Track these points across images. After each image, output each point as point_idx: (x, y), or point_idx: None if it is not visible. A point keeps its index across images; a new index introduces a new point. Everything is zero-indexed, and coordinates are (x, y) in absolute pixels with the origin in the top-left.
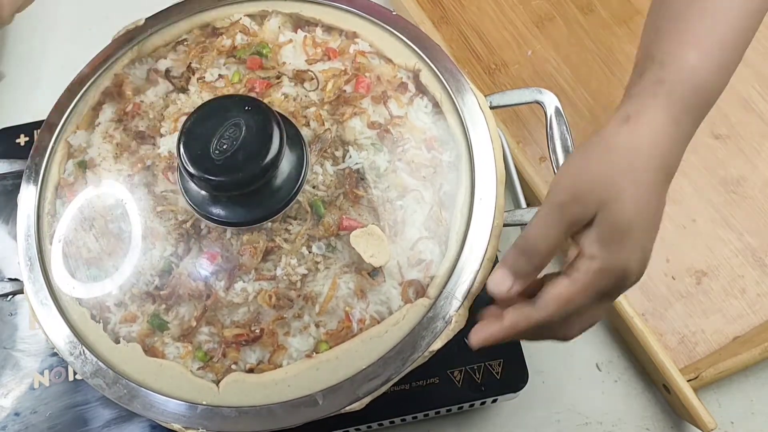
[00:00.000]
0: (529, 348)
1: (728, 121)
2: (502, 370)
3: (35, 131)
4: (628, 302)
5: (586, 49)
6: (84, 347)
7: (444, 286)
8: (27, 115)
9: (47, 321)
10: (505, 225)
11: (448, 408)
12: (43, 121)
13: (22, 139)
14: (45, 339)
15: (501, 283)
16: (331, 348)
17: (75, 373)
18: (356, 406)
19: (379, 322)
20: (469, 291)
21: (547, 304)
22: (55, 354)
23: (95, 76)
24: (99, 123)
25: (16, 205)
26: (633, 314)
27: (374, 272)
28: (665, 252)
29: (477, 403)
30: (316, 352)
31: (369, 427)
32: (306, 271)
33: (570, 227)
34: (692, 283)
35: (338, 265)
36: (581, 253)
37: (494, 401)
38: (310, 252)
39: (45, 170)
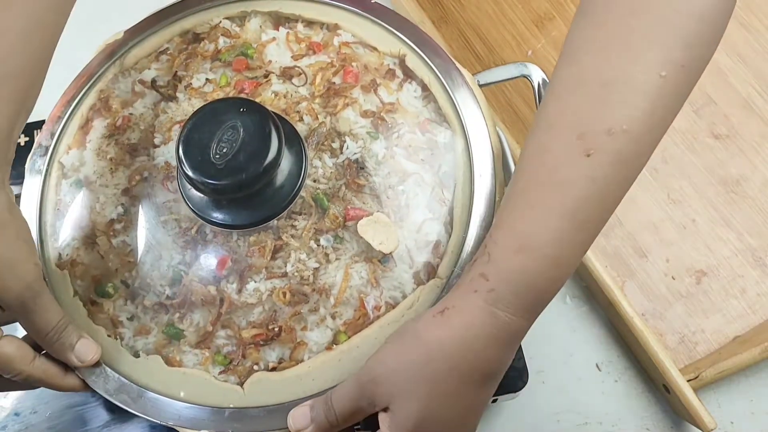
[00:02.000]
0: (529, 348)
1: (728, 121)
2: None
3: (35, 131)
4: (628, 302)
5: None
6: (105, 365)
7: (454, 265)
8: None
9: None
10: None
11: None
12: (42, 121)
13: (22, 139)
14: None
15: (299, 420)
16: (350, 338)
17: None
18: None
19: (394, 307)
20: None
21: None
22: None
23: (80, 95)
24: (90, 140)
25: None
26: (633, 314)
27: (384, 259)
28: (665, 252)
29: None
30: (336, 344)
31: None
32: (317, 265)
33: (366, 407)
34: (692, 283)
35: (348, 255)
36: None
37: (494, 401)
38: (318, 245)
39: (42, 194)
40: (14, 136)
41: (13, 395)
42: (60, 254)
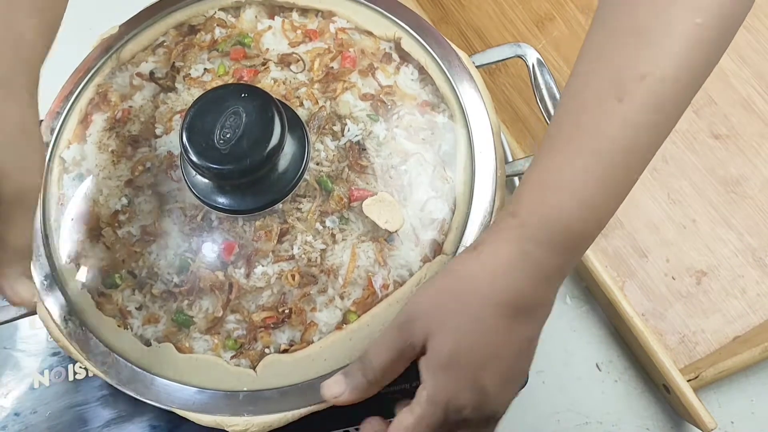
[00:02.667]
0: None
1: (728, 121)
2: None
3: None
4: (628, 302)
5: None
6: (116, 355)
7: (459, 241)
8: None
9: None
10: (507, 176)
11: None
12: (42, 121)
13: None
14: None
15: (332, 387)
16: (359, 317)
17: (75, 373)
18: None
19: (401, 285)
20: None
21: None
22: (55, 354)
23: (78, 90)
24: (90, 134)
25: None
26: (633, 314)
27: (390, 237)
28: (665, 252)
29: None
30: (346, 323)
31: None
32: (324, 246)
33: (405, 350)
34: (692, 283)
35: (354, 235)
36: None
37: None
38: (324, 227)
39: (44, 189)
40: (43, 57)
41: (13, 395)
42: (66, 249)
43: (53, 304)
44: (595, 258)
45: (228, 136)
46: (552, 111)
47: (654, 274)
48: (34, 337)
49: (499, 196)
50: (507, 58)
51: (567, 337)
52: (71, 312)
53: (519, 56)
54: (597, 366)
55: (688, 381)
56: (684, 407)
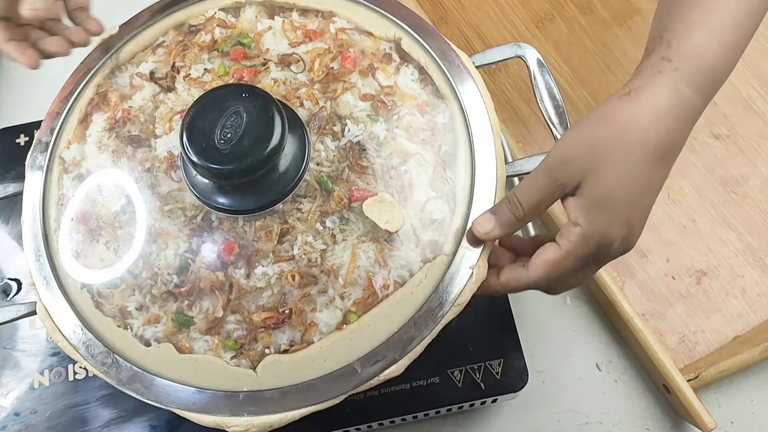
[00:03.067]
0: (529, 348)
1: (728, 121)
2: (502, 370)
3: (35, 131)
4: (628, 302)
5: (586, 49)
6: (116, 355)
7: (460, 241)
8: (27, 115)
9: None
10: (507, 176)
11: (448, 408)
12: (41, 120)
13: (22, 139)
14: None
15: (483, 224)
16: (359, 317)
17: (75, 374)
18: (395, 369)
19: (402, 285)
20: (485, 242)
21: (537, 268)
22: (55, 354)
23: (78, 91)
24: (90, 134)
25: (15, 205)
26: (633, 314)
27: (390, 238)
28: (665, 252)
29: (477, 403)
30: (346, 324)
31: (369, 426)
32: (324, 246)
33: (554, 191)
34: (692, 283)
35: (354, 235)
36: (568, 219)
37: (494, 401)
38: (324, 227)
39: (44, 189)
40: None
41: (13, 395)
42: (66, 248)
43: (53, 304)
44: None
45: (229, 135)
46: (552, 111)
47: (654, 274)
48: (34, 337)
49: (499, 196)
50: (507, 58)
51: (567, 337)
52: (70, 312)
53: (519, 56)
54: (597, 366)
55: (688, 381)
56: (684, 407)
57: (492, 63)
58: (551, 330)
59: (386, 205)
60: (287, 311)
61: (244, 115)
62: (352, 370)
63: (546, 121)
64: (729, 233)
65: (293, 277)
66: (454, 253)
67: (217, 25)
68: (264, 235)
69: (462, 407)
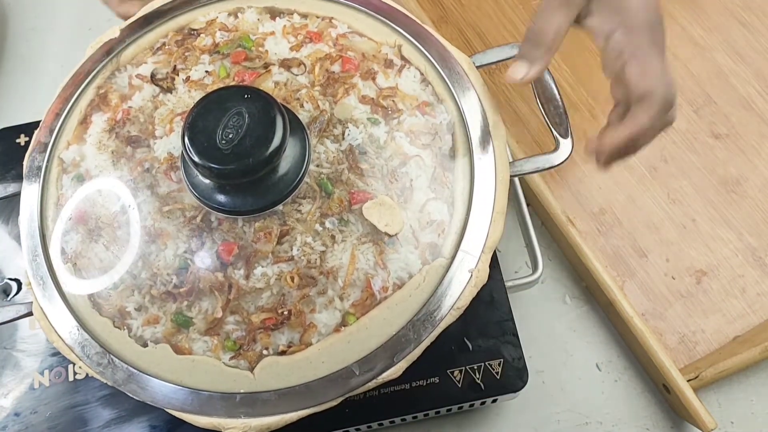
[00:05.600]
0: (529, 348)
1: (728, 121)
2: (502, 370)
3: (35, 131)
4: (627, 302)
5: (586, 49)
6: (112, 356)
7: (459, 244)
8: (27, 115)
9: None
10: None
11: (448, 408)
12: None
13: (22, 139)
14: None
15: (517, 71)
16: (358, 319)
17: (75, 374)
18: (393, 372)
19: (401, 287)
20: (485, 245)
21: (636, 79)
22: (55, 354)
23: (78, 92)
24: (89, 135)
25: (15, 205)
26: (633, 314)
27: (390, 240)
28: (665, 252)
29: (477, 403)
30: (345, 325)
31: (369, 427)
32: (323, 248)
33: (569, 10)
34: (692, 283)
35: (354, 237)
36: (598, 36)
37: (494, 401)
38: (324, 228)
39: (42, 190)
40: None
41: (13, 395)
42: (63, 248)
43: (50, 304)
44: (594, 258)
45: (230, 136)
46: (552, 111)
47: (654, 273)
48: (34, 337)
49: (500, 198)
50: (507, 59)
51: (567, 337)
52: (67, 312)
53: None
54: (597, 366)
55: (688, 381)
56: (684, 407)
57: (492, 63)
58: (551, 330)
59: (386, 208)
60: (286, 312)
61: (246, 116)
62: (349, 372)
63: (546, 121)
64: (729, 233)
65: (292, 278)
66: (453, 257)
67: (219, 29)
68: (263, 235)
69: (462, 407)
